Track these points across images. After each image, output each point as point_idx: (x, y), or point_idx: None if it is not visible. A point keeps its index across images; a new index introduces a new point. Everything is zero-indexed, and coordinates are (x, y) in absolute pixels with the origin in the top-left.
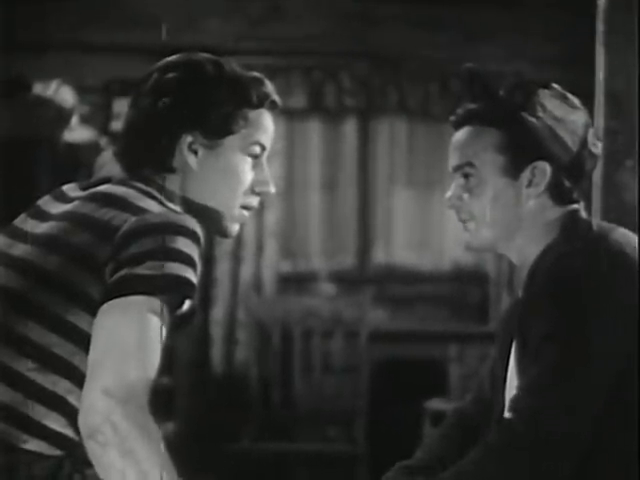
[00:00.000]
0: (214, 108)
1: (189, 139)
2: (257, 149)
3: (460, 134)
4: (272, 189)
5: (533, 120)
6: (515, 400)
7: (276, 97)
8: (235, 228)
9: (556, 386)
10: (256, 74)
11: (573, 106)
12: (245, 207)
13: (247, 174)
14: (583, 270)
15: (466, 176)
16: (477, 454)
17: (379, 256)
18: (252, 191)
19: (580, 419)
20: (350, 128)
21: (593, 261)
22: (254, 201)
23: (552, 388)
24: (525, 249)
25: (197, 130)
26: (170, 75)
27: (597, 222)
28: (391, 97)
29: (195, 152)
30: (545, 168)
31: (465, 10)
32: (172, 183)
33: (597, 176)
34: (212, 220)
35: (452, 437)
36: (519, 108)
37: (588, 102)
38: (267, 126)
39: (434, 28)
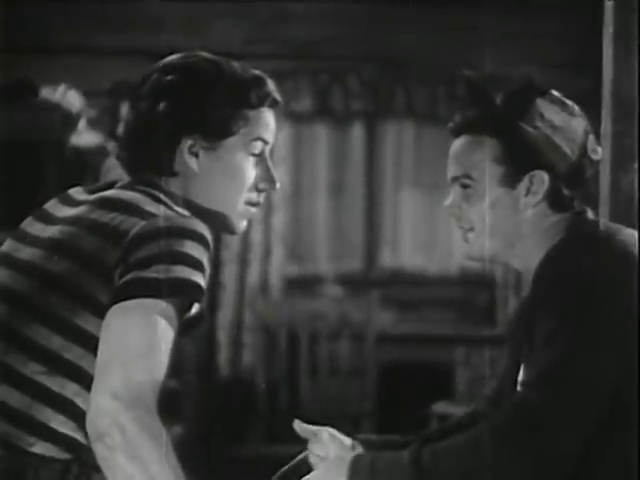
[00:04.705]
0: (213, 110)
1: (189, 142)
2: (259, 145)
3: (457, 144)
4: (277, 185)
5: (531, 130)
6: (522, 393)
7: (277, 95)
8: (242, 224)
9: (565, 374)
10: (257, 72)
11: (572, 113)
12: (250, 204)
13: (250, 172)
14: (591, 269)
15: (464, 187)
16: (480, 431)
17: (386, 259)
18: (256, 188)
19: (588, 405)
20: (357, 131)
21: (601, 261)
22: (259, 197)
23: (560, 376)
24: (527, 256)
25: (197, 133)
26: (168, 78)
27: (604, 222)
28: (398, 100)
29: (196, 155)
30: (543, 177)
31: (473, 13)
32: (175, 186)
33: (604, 179)
34: (218, 220)
35: (459, 424)
36: (516, 117)
37: (596, 105)
38: (268, 122)
39: (441, 31)
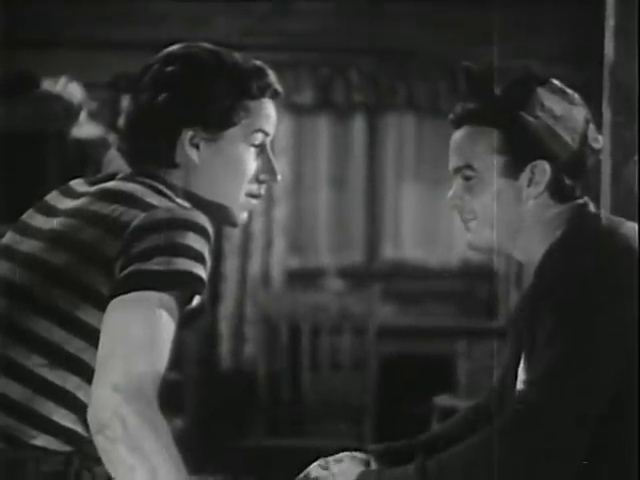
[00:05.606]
0: (214, 101)
1: (190, 134)
2: (259, 137)
3: (458, 135)
4: (278, 177)
5: (531, 120)
6: (524, 392)
7: (278, 86)
8: (243, 217)
9: (566, 370)
10: (258, 63)
11: (572, 102)
12: (251, 195)
13: (250, 163)
14: (593, 264)
15: (466, 178)
16: (483, 436)
17: (387, 252)
18: (257, 179)
19: (590, 401)
20: (358, 124)
21: (603, 256)
22: (260, 189)
23: (562, 373)
24: (530, 247)
25: (198, 124)
26: (169, 69)
27: (606, 215)
28: (400, 93)
29: (197, 146)
30: (545, 167)
31: (474, 7)
32: (176, 178)
33: (606, 170)
34: (219, 212)
35: (465, 418)
36: (517, 108)
37: (597, 97)
38: (269, 113)
39: (442, 24)
